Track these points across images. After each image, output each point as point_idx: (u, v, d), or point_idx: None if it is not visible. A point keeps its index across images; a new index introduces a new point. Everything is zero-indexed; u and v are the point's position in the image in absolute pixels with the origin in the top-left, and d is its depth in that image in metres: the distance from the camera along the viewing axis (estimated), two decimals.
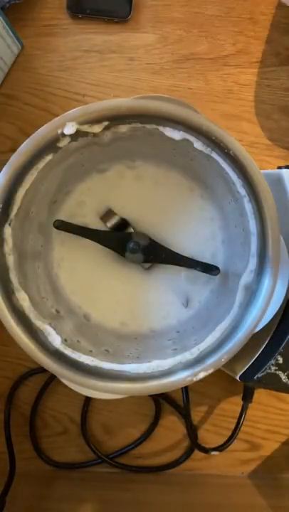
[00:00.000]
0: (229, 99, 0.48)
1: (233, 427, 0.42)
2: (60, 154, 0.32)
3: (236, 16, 0.48)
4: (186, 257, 0.37)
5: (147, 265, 0.39)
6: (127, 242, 0.35)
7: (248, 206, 0.31)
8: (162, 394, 0.46)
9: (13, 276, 0.31)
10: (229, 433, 0.42)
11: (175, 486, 0.45)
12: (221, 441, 0.42)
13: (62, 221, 0.35)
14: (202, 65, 0.48)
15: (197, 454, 0.46)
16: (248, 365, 0.36)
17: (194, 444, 0.44)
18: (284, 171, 0.37)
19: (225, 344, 0.30)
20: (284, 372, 0.35)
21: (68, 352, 0.31)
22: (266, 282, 0.30)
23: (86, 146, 0.33)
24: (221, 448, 0.42)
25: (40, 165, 0.31)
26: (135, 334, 0.38)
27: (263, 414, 0.47)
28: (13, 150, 0.29)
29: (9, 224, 0.30)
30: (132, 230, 0.38)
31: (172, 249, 0.37)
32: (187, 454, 0.46)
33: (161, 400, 0.46)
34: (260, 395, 0.46)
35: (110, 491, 0.44)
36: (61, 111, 0.48)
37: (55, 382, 0.46)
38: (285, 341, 0.35)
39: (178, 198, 0.39)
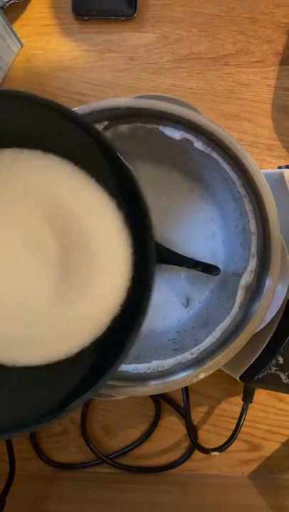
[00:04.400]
0: (229, 98, 0.48)
1: (233, 427, 0.42)
2: None
3: (236, 15, 0.48)
4: (187, 257, 0.37)
5: None
6: None
7: (248, 206, 0.31)
8: (162, 394, 0.46)
9: None
10: (229, 433, 0.42)
11: (175, 486, 0.45)
12: (221, 441, 0.42)
13: None
14: (202, 64, 0.48)
15: (197, 454, 0.46)
16: (248, 366, 0.36)
17: (194, 444, 0.44)
18: (284, 170, 0.37)
19: (225, 344, 0.30)
20: (284, 372, 0.35)
21: None
22: (266, 282, 0.30)
23: None
24: (221, 448, 0.42)
25: None
26: None
27: (263, 415, 0.46)
28: None
29: None
30: None
31: (172, 249, 0.37)
32: (187, 455, 0.46)
33: (161, 400, 0.46)
34: (260, 395, 0.46)
35: (110, 491, 0.44)
36: None
37: None
38: (286, 341, 0.35)
39: (178, 198, 0.39)
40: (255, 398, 0.42)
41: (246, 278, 0.31)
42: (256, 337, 0.32)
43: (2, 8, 0.45)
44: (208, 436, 0.46)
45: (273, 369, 0.35)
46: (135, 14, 0.47)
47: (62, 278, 0.24)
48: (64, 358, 0.24)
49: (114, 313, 0.24)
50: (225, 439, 0.42)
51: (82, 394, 0.22)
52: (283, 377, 0.35)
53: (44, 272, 0.24)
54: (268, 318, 0.33)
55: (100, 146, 0.21)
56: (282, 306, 0.34)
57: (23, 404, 0.23)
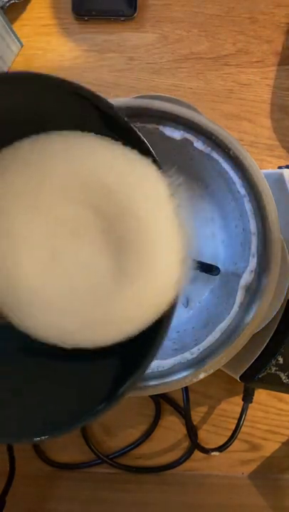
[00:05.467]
0: (229, 98, 0.48)
1: (233, 427, 0.42)
2: None
3: (236, 15, 0.48)
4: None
5: None
6: None
7: (248, 206, 0.31)
8: (162, 394, 0.46)
9: None
10: (229, 433, 0.42)
11: (175, 486, 0.45)
12: (221, 441, 0.42)
13: None
14: (202, 64, 0.48)
15: (197, 454, 0.46)
16: (248, 366, 0.36)
17: (194, 444, 0.44)
18: (284, 170, 0.37)
19: (225, 344, 0.30)
20: (284, 372, 0.35)
21: None
22: (266, 282, 0.30)
23: None
24: (221, 448, 0.42)
25: None
26: None
27: (263, 415, 0.46)
28: None
29: None
30: None
31: None
32: (187, 455, 0.46)
33: (161, 400, 0.46)
34: (260, 395, 0.46)
35: (110, 491, 0.44)
36: None
37: None
38: (286, 342, 0.35)
39: (178, 198, 0.39)
40: (255, 398, 0.42)
41: (246, 278, 0.31)
42: (256, 337, 0.32)
43: (2, 8, 0.45)
44: (208, 436, 0.46)
45: (273, 369, 0.35)
46: (135, 14, 0.47)
47: (117, 258, 0.23)
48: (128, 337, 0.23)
49: (177, 287, 0.23)
50: (225, 439, 0.42)
51: (126, 380, 0.22)
52: (283, 377, 0.35)
53: (98, 255, 0.23)
54: (268, 318, 0.33)
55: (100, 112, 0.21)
56: (282, 306, 0.34)
57: (71, 399, 0.23)
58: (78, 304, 0.23)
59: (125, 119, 0.21)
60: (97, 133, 0.22)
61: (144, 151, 0.22)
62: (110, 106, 0.21)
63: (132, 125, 0.21)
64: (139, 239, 0.22)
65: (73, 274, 0.23)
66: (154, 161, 0.22)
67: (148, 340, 0.23)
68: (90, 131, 0.22)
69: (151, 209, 0.23)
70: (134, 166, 0.22)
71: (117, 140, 0.22)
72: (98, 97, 0.20)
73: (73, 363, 0.24)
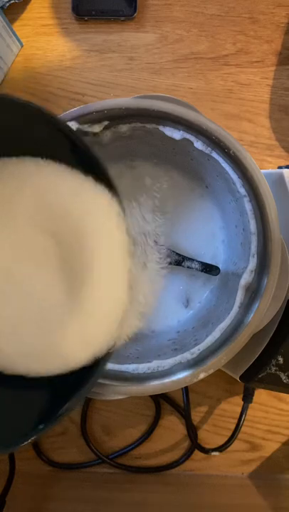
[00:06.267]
0: (229, 98, 0.48)
1: (233, 427, 0.42)
2: None
3: (236, 15, 0.48)
4: (187, 257, 0.37)
5: None
6: None
7: (248, 206, 0.31)
8: (162, 394, 0.46)
9: None
10: (229, 433, 0.42)
11: (175, 486, 0.45)
12: (221, 441, 0.42)
13: None
14: (202, 64, 0.48)
15: (197, 454, 0.46)
16: (248, 366, 0.36)
17: (194, 444, 0.44)
18: (284, 170, 0.37)
19: (225, 344, 0.30)
20: (284, 372, 0.35)
21: None
22: (266, 282, 0.30)
23: None
24: (221, 448, 0.42)
25: None
26: (135, 334, 0.38)
27: (264, 415, 0.46)
28: None
29: None
30: None
31: (172, 249, 0.37)
32: (187, 455, 0.46)
33: (161, 400, 0.46)
34: (260, 395, 0.46)
35: (110, 491, 0.44)
36: (61, 111, 0.48)
37: None
38: (286, 342, 0.35)
39: (178, 198, 0.39)
40: (255, 398, 0.42)
41: (246, 278, 0.31)
42: (256, 337, 0.32)
43: (2, 8, 0.45)
44: (208, 436, 0.46)
45: (273, 369, 0.35)
46: (135, 14, 0.47)
47: (70, 290, 0.23)
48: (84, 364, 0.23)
49: (119, 330, 0.24)
50: (225, 439, 0.42)
51: (69, 399, 0.22)
52: (283, 377, 0.35)
53: (53, 284, 0.23)
54: (268, 318, 0.33)
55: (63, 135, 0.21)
56: (282, 306, 0.34)
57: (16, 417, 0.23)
58: (26, 331, 0.23)
59: (93, 152, 0.21)
60: (67, 162, 0.23)
61: (108, 185, 0.22)
62: (77, 136, 0.21)
63: (99, 159, 0.21)
64: (92, 275, 0.23)
65: (25, 299, 0.23)
66: (115, 196, 0.23)
67: (83, 375, 0.23)
68: (61, 160, 0.23)
69: (107, 246, 0.23)
70: (99, 200, 0.23)
71: (86, 171, 0.23)
72: (71, 131, 0.20)
73: (4, 387, 0.24)
